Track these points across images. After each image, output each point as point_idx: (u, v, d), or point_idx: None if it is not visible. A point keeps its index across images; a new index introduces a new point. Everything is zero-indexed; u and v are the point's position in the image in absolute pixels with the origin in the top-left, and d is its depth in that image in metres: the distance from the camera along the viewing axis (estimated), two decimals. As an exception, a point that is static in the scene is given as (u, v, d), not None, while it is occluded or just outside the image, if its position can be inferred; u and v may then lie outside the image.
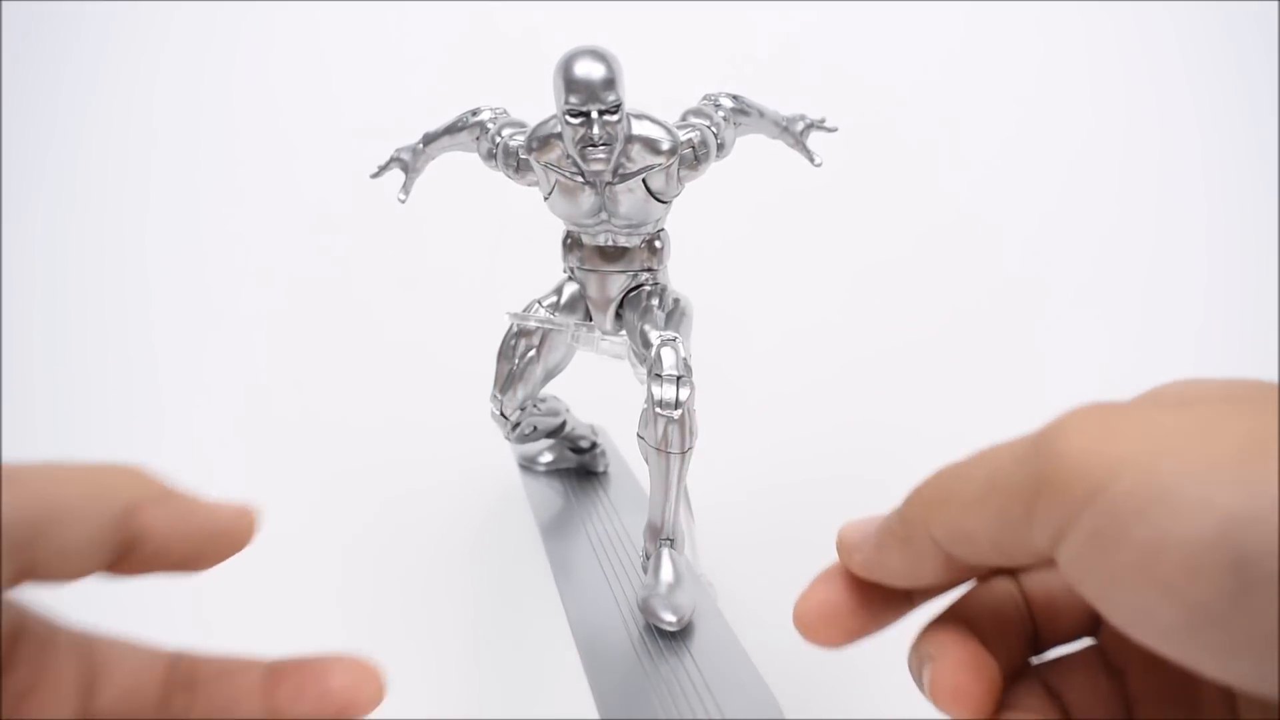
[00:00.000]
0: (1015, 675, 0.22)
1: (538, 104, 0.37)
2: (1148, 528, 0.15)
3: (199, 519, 0.21)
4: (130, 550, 0.20)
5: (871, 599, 0.23)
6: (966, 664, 0.21)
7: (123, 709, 0.21)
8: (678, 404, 0.33)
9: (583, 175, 0.35)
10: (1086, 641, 0.22)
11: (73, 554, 0.19)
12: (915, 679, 0.22)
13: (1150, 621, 0.16)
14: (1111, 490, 0.16)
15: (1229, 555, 0.14)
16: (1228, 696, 0.19)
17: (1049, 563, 0.18)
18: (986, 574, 0.23)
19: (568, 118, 0.32)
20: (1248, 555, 0.14)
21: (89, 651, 0.21)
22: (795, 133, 0.39)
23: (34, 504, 0.19)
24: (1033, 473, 0.17)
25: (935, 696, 0.21)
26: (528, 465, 0.49)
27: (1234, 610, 0.14)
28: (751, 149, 0.39)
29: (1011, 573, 0.23)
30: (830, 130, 0.40)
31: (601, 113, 0.32)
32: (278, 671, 0.23)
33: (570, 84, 0.32)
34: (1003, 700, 0.22)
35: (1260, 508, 0.14)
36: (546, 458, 0.49)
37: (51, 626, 0.21)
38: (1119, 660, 0.21)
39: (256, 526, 0.22)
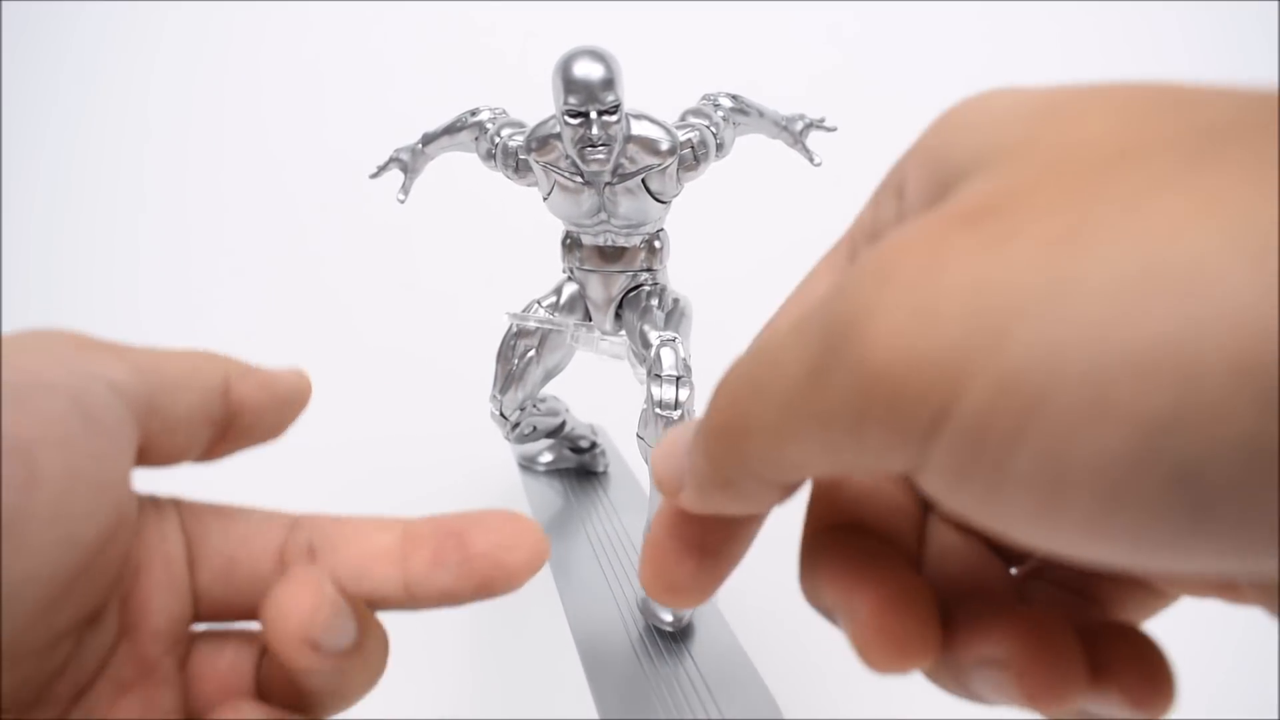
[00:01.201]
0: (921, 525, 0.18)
1: (537, 104, 0.37)
2: (1031, 457, 0.10)
3: (278, 386, 0.21)
4: (229, 424, 0.20)
5: (707, 542, 0.18)
6: (887, 605, 0.15)
7: (238, 590, 0.19)
8: (677, 404, 0.33)
9: (582, 175, 0.35)
10: None
11: (182, 428, 0.19)
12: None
13: (1078, 557, 0.12)
14: (959, 410, 0.11)
15: (1164, 472, 0.10)
16: None
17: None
18: None
19: (567, 118, 0.32)
20: (1190, 465, 0.10)
21: (199, 527, 0.20)
22: (794, 132, 0.39)
23: (149, 373, 0.18)
24: (841, 394, 0.12)
25: (867, 657, 0.15)
26: (527, 465, 0.49)
27: (1191, 535, 0.10)
28: (751, 149, 0.39)
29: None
30: (829, 130, 0.40)
31: (600, 113, 0.32)
32: (413, 533, 0.20)
33: (569, 84, 0.32)
34: (929, 568, 0.17)
35: (1184, 387, 0.10)
36: (546, 458, 0.49)
37: (149, 502, 0.20)
38: None
39: (312, 388, 0.21)
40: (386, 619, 0.30)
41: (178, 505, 0.20)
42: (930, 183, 0.15)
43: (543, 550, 0.19)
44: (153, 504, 0.19)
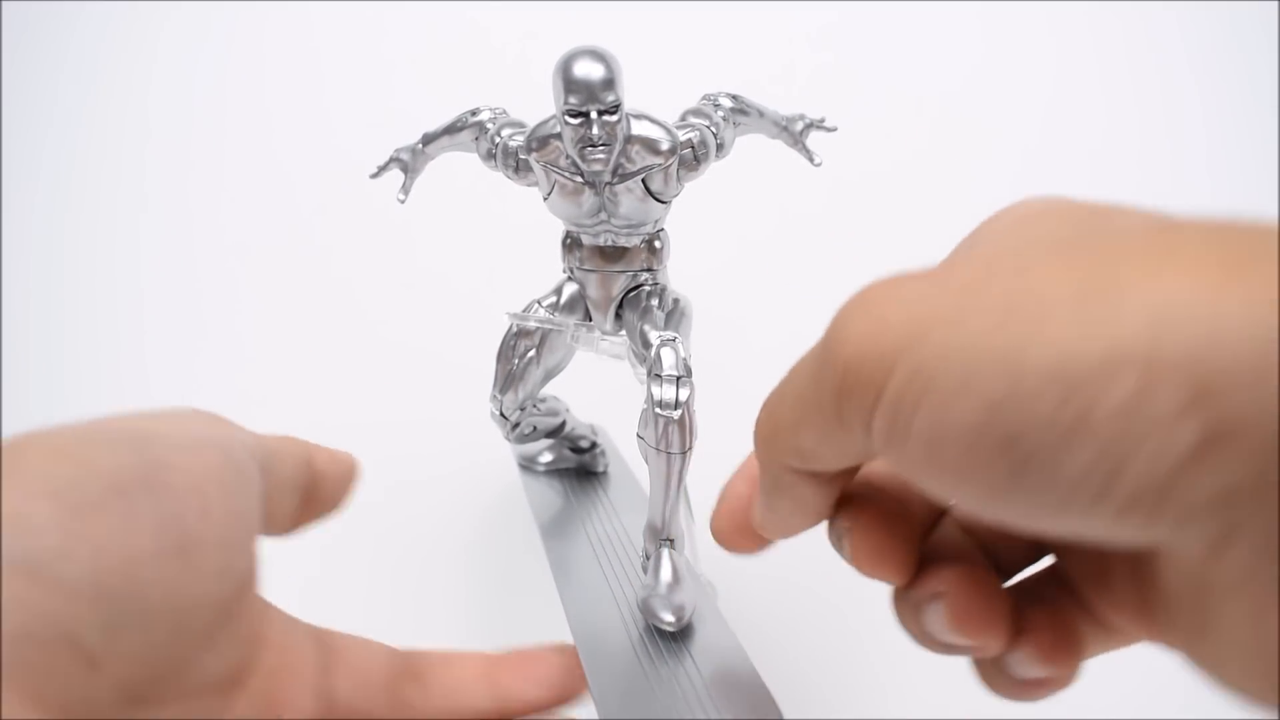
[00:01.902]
0: (937, 520, 0.23)
1: (537, 104, 0.37)
2: (924, 420, 0.15)
3: (343, 461, 0.24)
4: (312, 493, 0.23)
5: None
6: (881, 529, 0.22)
7: (359, 695, 0.23)
8: (677, 404, 0.33)
9: (582, 175, 0.35)
10: None
11: (284, 492, 0.22)
12: (840, 553, 0.23)
13: (960, 499, 0.16)
14: (889, 387, 0.16)
15: (997, 437, 0.14)
16: None
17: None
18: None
19: (567, 118, 0.32)
20: (1013, 432, 0.14)
21: (323, 641, 0.24)
22: (795, 132, 0.39)
23: (261, 443, 0.21)
24: (829, 383, 0.17)
25: (857, 564, 0.22)
26: (527, 465, 0.49)
27: (1018, 486, 0.15)
28: (751, 149, 0.39)
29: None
30: (830, 130, 0.40)
31: (601, 113, 0.32)
32: (498, 661, 0.26)
33: (569, 84, 0.32)
34: (927, 548, 0.22)
35: (1012, 382, 0.14)
36: (546, 457, 0.49)
37: (289, 617, 0.23)
38: None
39: (359, 466, 0.25)
40: (390, 620, 0.30)
41: (310, 627, 0.23)
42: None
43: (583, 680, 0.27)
44: (292, 621, 0.23)
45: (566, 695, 0.25)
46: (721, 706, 0.28)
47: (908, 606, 0.22)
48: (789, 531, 0.23)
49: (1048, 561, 0.23)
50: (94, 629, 0.15)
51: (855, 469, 0.22)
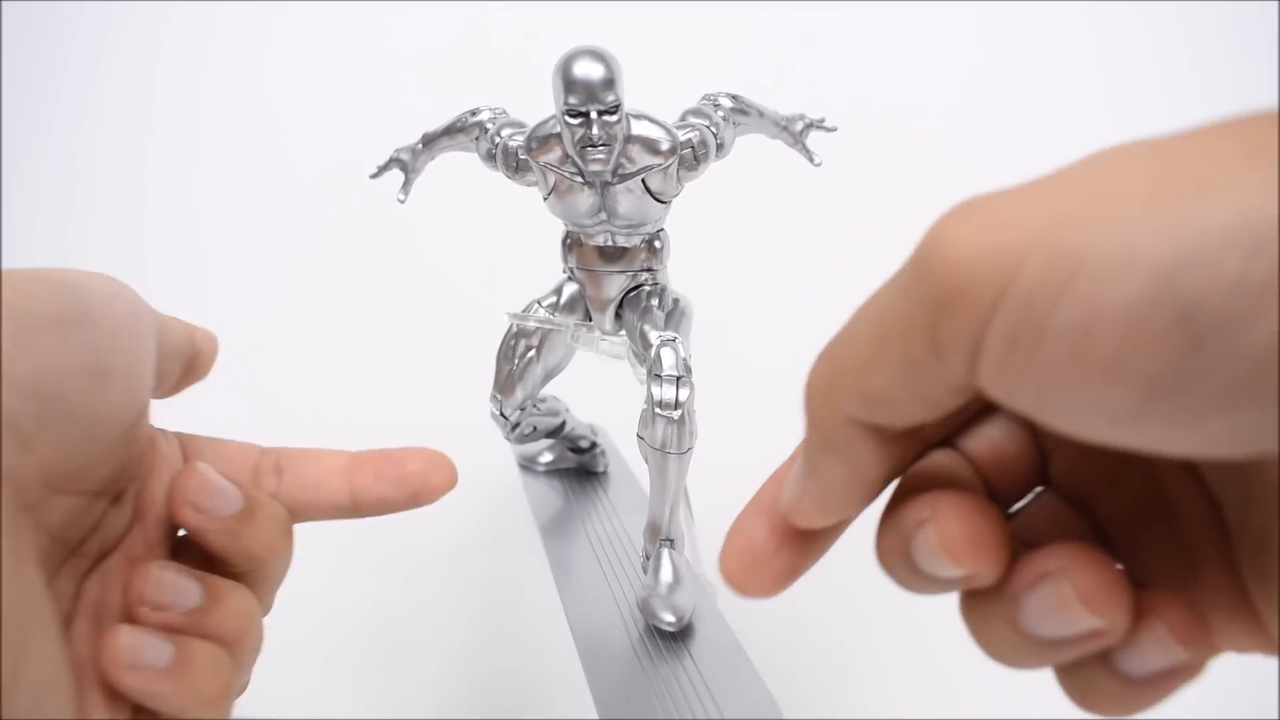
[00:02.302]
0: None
1: (536, 105, 0.37)
2: (1071, 306, 0.13)
3: (211, 337, 0.29)
4: (192, 362, 0.27)
5: (794, 533, 0.20)
6: (970, 509, 0.18)
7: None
8: (677, 404, 0.33)
9: (582, 175, 0.35)
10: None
11: (171, 357, 0.26)
12: (899, 563, 0.19)
13: (1099, 413, 0.14)
14: (1019, 280, 0.13)
15: (1172, 309, 0.12)
16: (1194, 483, 0.18)
17: (976, 393, 0.15)
18: (926, 448, 0.20)
19: (567, 118, 0.32)
20: (1192, 302, 0.12)
21: (187, 444, 0.27)
22: (795, 132, 0.39)
23: (158, 314, 0.25)
24: (924, 297, 0.15)
25: (947, 552, 0.17)
26: (527, 465, 0.49)
27: (1189, 369, 0.12)
28: (751, 149, 0.39)
29: (949, 444, 0.20)
30: (830, 130, 0.40)
31: (601, 113, 0.32)
32: (359, 459, 0.27)
33: (569, 84, 0.32)
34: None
35: (1192, 243, 0.12)
36: (546, 457, 0.49)
37: (159, 431, 0.26)
38: (1078, 492, 0.20)
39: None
40: (390, 620, 0.31)
41: (178, 434, 0.27)
42: None
43: (455, 475, 0.28)
44: (161, 432, 0.26)
45: (420, 496, 0.27)
46: (722, 706, 0.28)
47: (895, 537, 0.19)
48: (827, 510, 0.19)
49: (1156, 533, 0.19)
50: (29, 418, 0.20)
51: (919, 439, 0.19)
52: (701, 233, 0.55)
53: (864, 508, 0.20)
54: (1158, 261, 0.12)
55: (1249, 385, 0.12)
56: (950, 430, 0.20)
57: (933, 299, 0.15)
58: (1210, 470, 0.17)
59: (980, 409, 0.20)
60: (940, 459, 0.20)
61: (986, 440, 0.20)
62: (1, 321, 0.20)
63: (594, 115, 0.32)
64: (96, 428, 0.22)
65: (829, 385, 0.18)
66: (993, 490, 0.20)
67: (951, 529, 0.17)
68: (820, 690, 0.38)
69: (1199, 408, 0.13)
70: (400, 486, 0.27)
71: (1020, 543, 0.19)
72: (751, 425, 0.60)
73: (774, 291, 0.76)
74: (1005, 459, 0.20)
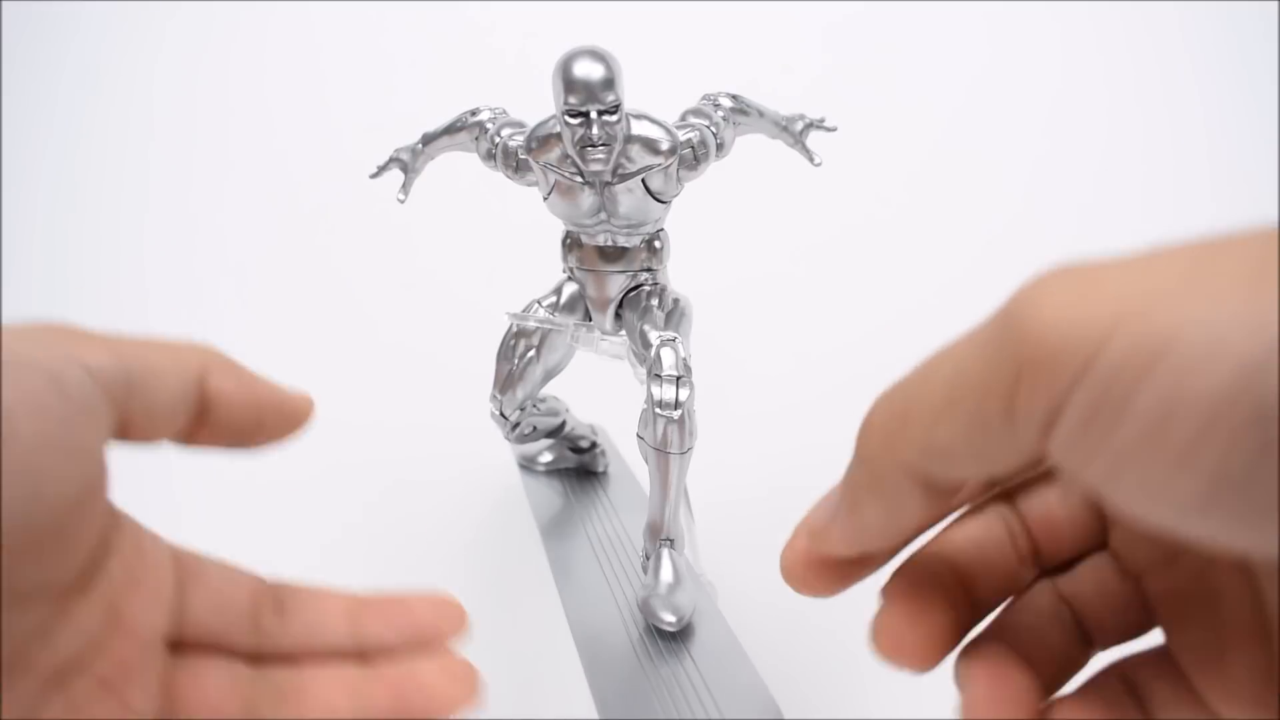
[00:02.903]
0: (1022, 593, 0.21)
1: (537, 104, 0.37)
2: (1153, 390, 0.13)
3: (261, 392, 0.23)
4: (203, 415, 0.22)
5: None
6: (908, 615, 0.19)
7: (215, 620, 0.22)
8: (677, 404, 0.33)
9: (582, 175, 0.35)
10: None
11: (159, 411, 0.21)
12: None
13: (1165, 499, 0.14)
14: (1105, 356, 0.13)
15: (1249, 408, 0.12)
16: (1247, 580, 0.18)
17: (1041, 460, 0.15)
18: (978, 498, 0.21)
19: (567, 118, 0.32)
20: (1270, 403, 0.12)
21: (182, 561, 0.23)
22: (794, 132, 0.39)
23: (129, 360, 0.21)
24: (1006, 359, 0.15)
25: (875, 641, 0.20)
26: (528, 465, 0.49)
27: (1258, 471, 0.13)
28: (751, 149, 0.39)
29: (1007, 497, 0.21)
30: (829, 130, 0.40)
31: (600, 113, 0.32)
32: (365, 603, 0.24)
33: (569, 84, 0.32)
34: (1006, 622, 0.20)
35: (1276, 343, 0.12)
36: (546, 457, 0.49)
37: (147, 533, 0.22)
38: (1132, 564, 0.20)
39: (313, 412, 0.24)
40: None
41: (172, 547, 0.23)
42: None
43: (465, 621, 0.25)
44: (150, 536, 0.22)
45: (430, 644, 0.24)
46: (722, 706, 0.28)
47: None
48: (854, 545, 0.20)
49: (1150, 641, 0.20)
50: None
51: (964, 495, 0.20)
52: (701, 233, 0.55)
53: (892, 552, 0.20)
54: (1242, 357, 0.12)
55: None
56: (995, 489, 0.21)
57: (1015, 362, 0.15)
58: (1262, 566, 0.18)
59: (1041, 473, 0.21)
60: (987, 517, 0.21)
61: (1043, 502, 0.21)
62: None
63: (594, 115, 0.32)
64: (6, 517, 0.18)
65: (891, 429, 0.18)
66: (1040, 550, 0.21)
67: (889, 626, 0.19)
68: (820, 690, 0.38)
69: (1264, 510, 0.13)
70: (409, 635, 0.24)
71: (1064, 601, 0.20)
72: (751, 425, 0.60)
73: (774, 292, 0.76)
74: (1056, 523, 0.20)
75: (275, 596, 0.24)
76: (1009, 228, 0.80)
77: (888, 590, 0.20)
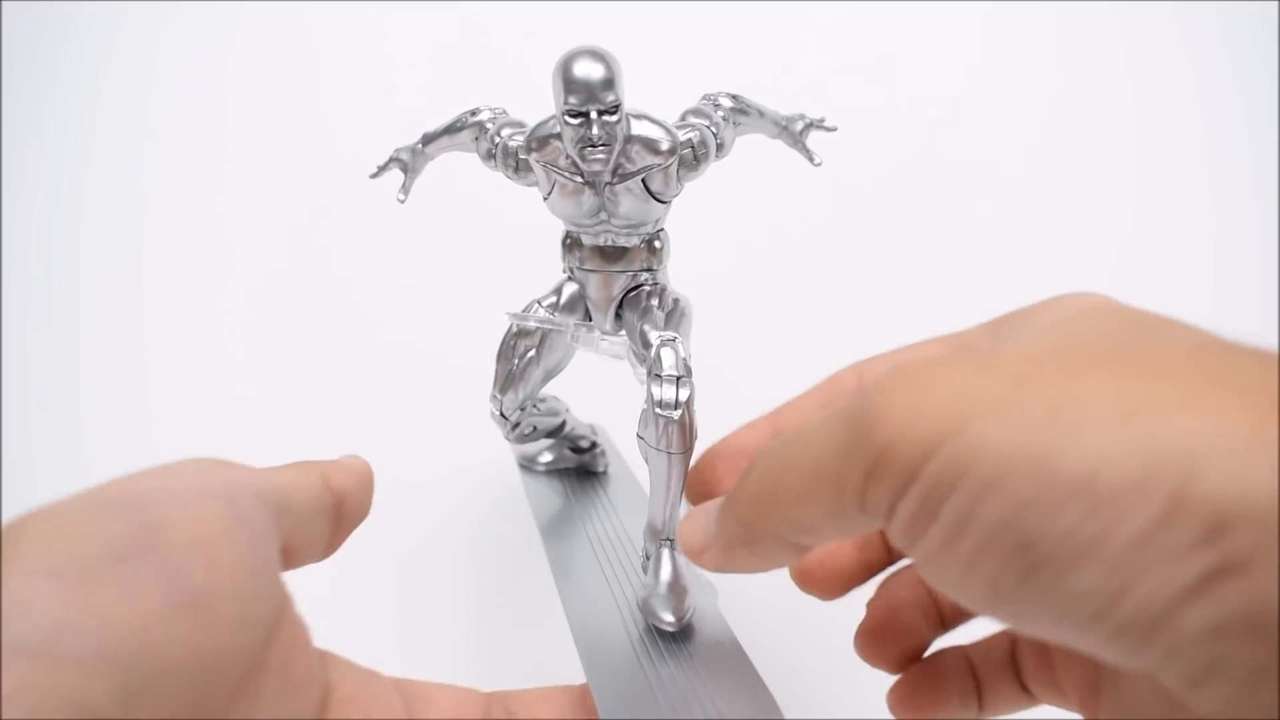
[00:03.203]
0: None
1: (536, 105, 0.37)
2: (953, 507, 0.16)
3: (358, 470, 0.25)
4: (338, 511, 0.23)
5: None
6: (890, 623, 0.24)
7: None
8: (677, 404, 0.33)
9: (582, 175, 0.35)
10: None
11: (307, 522, 0.22)
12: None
13: (959, 593, 0.17)
14: (928, 469, 0.16)
15: (1016, 539, 0.15)
16: None
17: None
18: None
19: (566, 118, 0.32)
20: (1031, 539, 0.15)
21: (405, 691, 0.24)
22: (794, 132, 0.39)
23: (273, 481, 0.21)
24: (856, 463, 0.17)
25: (857, 648, 0.25)
26: (527, 465, 0.49)
27: (1024, 588, 0.15)
28: (751, 149, 0.39)
29: None
30: (830, 130, 0.40)
31: (600, 113, 0.32)
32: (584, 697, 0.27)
33: (569, 84, 0.32)
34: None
35: (1042, 487, 0.14)
36: (546, 458, 0.49)
37: (366, 671, 0.24)
38: None
39: (371, 470, 0.25)
40: (389, 619, 0.30)
41: (394, 680, 0.24)
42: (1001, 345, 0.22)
43: None
44: (371, 676, 0.24)
45: None
46: (721, 706, 0.28)
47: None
48: (727, 571, 0.24)
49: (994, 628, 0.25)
50: (111, 698, 0.15)
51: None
52: (702, 233, 0.55)
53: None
54: (1016, 494, 0.15)
55: (1068, 615, 0.15)
56: None
57: (865, 466, 0.17)
58: None
59: None
60: None
61: None
62: (41, 583, 0.15)
63: (594, 115, 0.32)
64: (212, 674, 0.17)
65: (763, 502, 0.20)
66: None
67: (869, 638, 0.25)
68: (820, 690, 0.38)
69: (1030, 618, 0.16)
70: None
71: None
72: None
73: (775, 291, 0.76)
74: None
75: (504, 705, 0.26)
76: (1010, 228, 0.80)
77: (870, 605, 0.25)
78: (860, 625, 0.25)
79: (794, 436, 0.20)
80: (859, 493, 0.17)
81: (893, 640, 0.25)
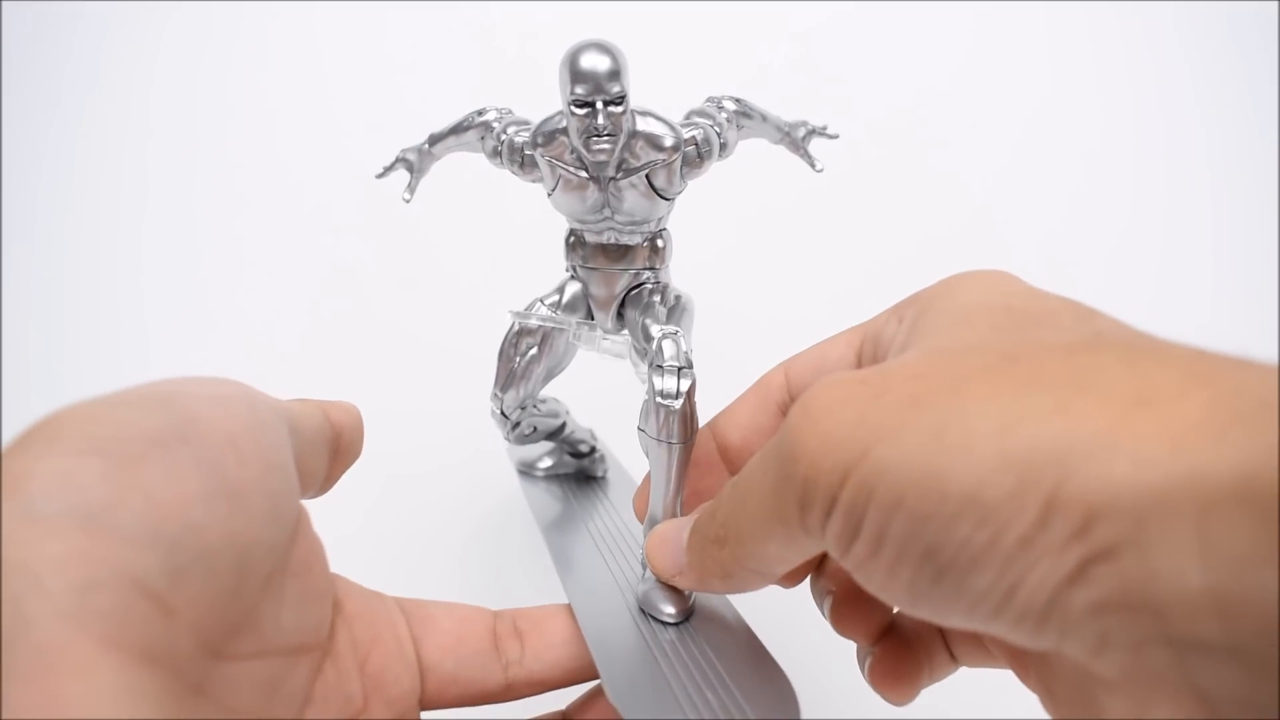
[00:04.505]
0: None
1: (539, 105, 0.37)
2: (871, 524, 0.17)
3: (351, 410, 0.25)
4: (337, 444, 0.24)
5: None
6: (857, 598, 0.26)
7: (454, 663, 0.25)
8: (679, 394, 0.33)
9: (587, 170, 0.35)
10: None
11: (312, 448, 0.23)
12: (820, 609, 0.28)
13: (886, 595, 0.19)
14: (844, 494, 0.18)
15: (921, 549, 0.17)
16: None
17: None
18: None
19: (573, 108, 0.33)
20: (933, 548, 0.16)
21: (410, 611, 0.25)
22: (796, 139, 0.39)
23: (282, 402, 0.22)
24: (788, 498, 0.19)
25: (835, 625, 0.27)
26: (526, 470, 0.49)
27: (935, 589, 0.17)
28: (753, 151, 0.40)
29: None
30: (831, 137, 0.40)
31: (606, 103, 0.32)
32: None
33: (576, 75, 0.32)
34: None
35: (937, 503, 0.16)
36: (545, 463, 0.48)
37: (372, 592, 0.25)
38: None
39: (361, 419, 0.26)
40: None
41: (398, 599, 0.25)
42: (901, 337, 0.23)
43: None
44: (375, 595, 0.24)
45: None
46: (741, 699, 0.27)
47: (815, 591, 0.28)
48: (699, 590, 0.26)
49: None
50: (158, 573, 0.15)
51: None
52: (702, 232, 0.55)
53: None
54: (915, 511, 0.16)
55: (974, 610, 0.17)
56: None
57: (796, 499, 0.19)
58: None
59: None
60: None
61: None
62: (88, 459, 0.15)
63: (599, 105, 0.32)
64: (246, 561, 0.18)
65: (732, 545, 0.23)
66: None
67: (839, 614, 0.27)
68: (821, 690, 0.38)
69: (946, 614, 0.17)
70: None
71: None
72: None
73: (775, 290, 0.76)
74: None
75: (511, 624, 0.27)
76: (1012, 228, 0.80)
77: (833, 582, 0.27)
78: (830, 603, 0.28)
79: (739, 480, 0.22)
80: (799, 521, 0.19)
81: (861, 610, 0.27)
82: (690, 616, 0.32)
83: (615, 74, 0.32)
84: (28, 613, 0.13)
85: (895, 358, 0.22)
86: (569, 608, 0.27)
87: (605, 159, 0.34)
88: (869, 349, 0.26)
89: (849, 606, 0.26)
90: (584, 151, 0.34)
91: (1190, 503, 0.13)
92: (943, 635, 0.27)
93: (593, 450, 0.48)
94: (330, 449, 0.23)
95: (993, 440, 0.16)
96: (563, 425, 0.46)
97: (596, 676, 0.26)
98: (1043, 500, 0.15)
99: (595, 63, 0.32)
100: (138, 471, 0.16)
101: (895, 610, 0.28)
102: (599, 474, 0.48)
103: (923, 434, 0.17)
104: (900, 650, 0.26)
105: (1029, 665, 0.23)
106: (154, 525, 0.15)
